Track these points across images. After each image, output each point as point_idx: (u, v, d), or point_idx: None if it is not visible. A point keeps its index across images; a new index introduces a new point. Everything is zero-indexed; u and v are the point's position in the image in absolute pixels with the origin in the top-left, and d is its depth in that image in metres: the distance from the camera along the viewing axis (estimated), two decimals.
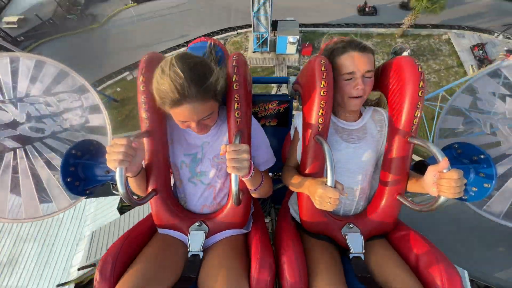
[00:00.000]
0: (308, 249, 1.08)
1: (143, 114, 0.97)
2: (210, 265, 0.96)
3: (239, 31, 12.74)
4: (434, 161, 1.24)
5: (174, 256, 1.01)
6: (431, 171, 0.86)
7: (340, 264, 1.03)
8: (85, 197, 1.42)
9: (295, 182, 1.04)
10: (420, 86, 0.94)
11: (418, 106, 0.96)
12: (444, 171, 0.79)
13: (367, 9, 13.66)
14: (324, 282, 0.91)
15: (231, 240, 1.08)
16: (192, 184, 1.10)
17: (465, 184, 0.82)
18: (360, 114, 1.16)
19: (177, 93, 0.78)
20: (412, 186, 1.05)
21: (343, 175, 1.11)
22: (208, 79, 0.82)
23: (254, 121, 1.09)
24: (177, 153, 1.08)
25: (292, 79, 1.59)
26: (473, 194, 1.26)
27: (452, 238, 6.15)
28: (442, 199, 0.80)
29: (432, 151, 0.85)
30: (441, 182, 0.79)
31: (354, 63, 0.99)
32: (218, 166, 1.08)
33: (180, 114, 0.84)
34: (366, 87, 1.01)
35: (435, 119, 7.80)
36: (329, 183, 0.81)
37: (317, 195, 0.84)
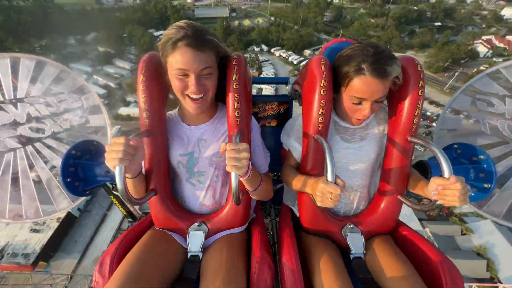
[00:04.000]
0: (310, 248, 1.08)
1: (143, 113, 0.97)
2: (209, 265, 0.96)
3: None
4: (434, 160, 1.23)
5: (172, 254, 1.00)
6: (434, 183, 0.83)
7: (342, 263, 1.02)
8: (85, 197, 1.42)
9: (295, 181, 1.04)
10: (420, 85, 0.94)
11: (418, 105, 0.96)
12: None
13: None
14: (329, 280, 0.90)
15: (230, 240, 1.07)
16: (191, 184, 1.09)
17: None
18: None
19: (179, 33, 0.84)
20: (413, 187, 1.04)
21: (343, 176, 1.10)
22: (209, 34, 0.89)
23: (254, 123, 1.09)
24: (173, 153, 1.07)
25: (292, 79, 1.59)
26: (473, 194, 1.26)
27: None
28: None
29: (436, 154, 0.84)
30: (445, 193, 0.79)
31: (368, 90, 0.89)
32: (217, 165, 1.07)
33: (179, 61, 0.85)
34: (374, 110, 0.96)
35: None
36: (329, 178, 0.81)
37: (318, 191, 0.83)
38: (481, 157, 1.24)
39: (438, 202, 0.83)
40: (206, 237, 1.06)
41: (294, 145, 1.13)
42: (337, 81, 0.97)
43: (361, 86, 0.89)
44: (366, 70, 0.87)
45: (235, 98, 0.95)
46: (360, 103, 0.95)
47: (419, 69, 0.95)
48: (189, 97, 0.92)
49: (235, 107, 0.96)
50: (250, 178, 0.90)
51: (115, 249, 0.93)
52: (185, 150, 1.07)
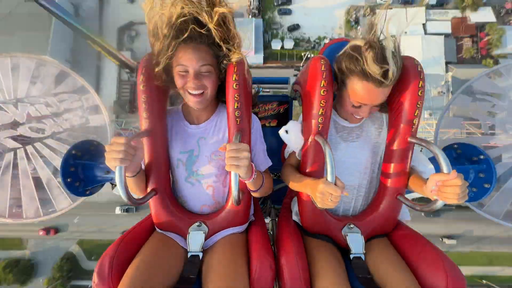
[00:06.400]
0: (310, 250, 1.08)
1: (143, 113, 0.97)
2: (210, 265, 0.96)
3: None
4: (434, 160, 1.24)
5: (173, 256, 1.00)
6: (433, 179, 0.84)
7: (343, 265, 1.02)
8: (85, 197, 1.42)
9: (295, 181, 1.04)
10: (419, 85, 0.94)
11: (418, 105, 0.96)
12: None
13: None
14: (328, 282, 0.90)
15: (231, 241, 1.07)
16: (190, 184, 1.09)
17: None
18: None
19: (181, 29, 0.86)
20: (413, 186, 1.04)
21: (342, 174, 1.10)
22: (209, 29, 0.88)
23: (256, 121, 1.09)
24: (173, 151, 1.08)
25: (292, 79, 1.60)
26: (473, 194, 1.26)
27: None
28: (441, 201, 0.82)
29: (435, 153, 0.84)
30: (445, 190, 0.79)
31: (368, 96, 0.92)
32: (216, 164, 1.07)
33: (180, 57, 0.90)
34: (372, 111, 1.01)
35: None
36: (329, 179, 0.82)
37: (319, 192, 0.83)
38: (481, 157, 1.24)
39: (440, 202, 0.82)
40: (206, 237, 1.06)
41: (297, 140, 1.11)
42: (339, 77, 1.01)
43: (362, 92, 0.92)
44: (367, 78, 0.88)
45: (235, 98, 0.96)
46: (359, 107, 0.98)
47: (419, 69, 0.95)
48: (188, 92, 0.94)
49: (235, 107, 0.96)
50: (253, 180, 0.91)
51: (114, 251, 0.92)
52: (185, 148, 1.07)
